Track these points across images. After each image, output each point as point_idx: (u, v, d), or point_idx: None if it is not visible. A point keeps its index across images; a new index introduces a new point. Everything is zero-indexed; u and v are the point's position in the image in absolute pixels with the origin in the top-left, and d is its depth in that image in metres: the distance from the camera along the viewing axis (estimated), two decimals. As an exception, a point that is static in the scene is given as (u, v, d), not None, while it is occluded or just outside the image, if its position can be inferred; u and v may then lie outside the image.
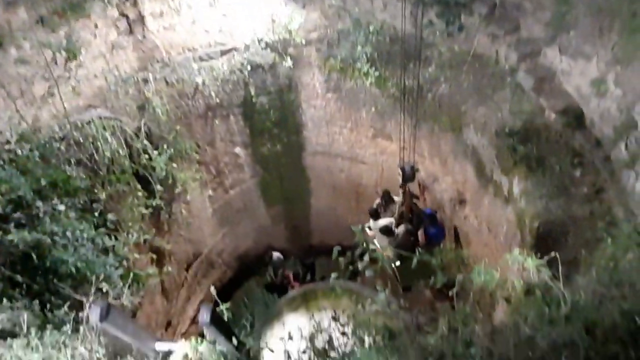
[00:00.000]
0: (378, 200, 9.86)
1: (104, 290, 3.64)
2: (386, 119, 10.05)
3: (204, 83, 9.12)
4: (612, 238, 3.38)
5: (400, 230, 9.02)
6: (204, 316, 2.85)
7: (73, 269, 4.64)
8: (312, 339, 3.25)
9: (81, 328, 3.07)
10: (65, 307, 3.49)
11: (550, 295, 2.79)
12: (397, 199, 9.44)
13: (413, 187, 9.23)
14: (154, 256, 7.21)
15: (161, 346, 3.15)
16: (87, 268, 4.75)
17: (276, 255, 12.05)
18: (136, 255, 6.03)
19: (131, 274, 5.13)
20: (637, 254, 2.96)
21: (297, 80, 10.37)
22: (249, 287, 12.88)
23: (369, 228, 9.40)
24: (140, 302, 6.32)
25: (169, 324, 9.52)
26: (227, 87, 9.71)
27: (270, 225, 12.63)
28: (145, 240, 7.15)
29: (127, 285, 4.70)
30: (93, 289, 3.41)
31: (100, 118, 7.29)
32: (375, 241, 9.35)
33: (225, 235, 11.63)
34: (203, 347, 3.01)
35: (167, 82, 8.69)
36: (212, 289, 3.89)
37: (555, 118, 7.06)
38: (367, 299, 4.16)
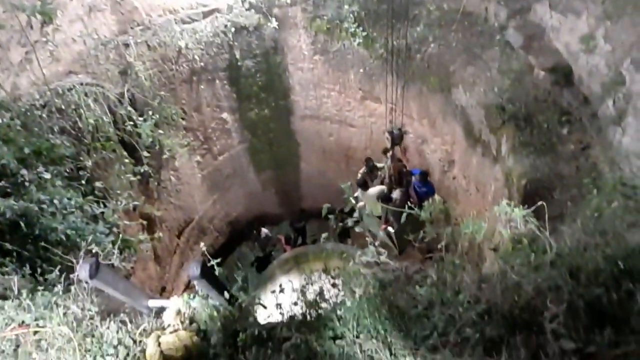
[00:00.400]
0: (363, 169, 9.80)
1: (94, 251, 3.64)
2: (374, 80, 9.93)
3: (187, 46, 8.87)
4: (597, 190, 3.44)
5: (396, 195, 9.03)
6: (194, 270, 2.85)
7: (63, 237, 4.62)
8: (303, 291, 3.32)
9: (72, 288, 3.10)
10: (56, 271, 3.50)
11: (536, 243, 2.86)
12: (383, 164, 9.41)
13: (396, 149, 9.20)
14: (145, 222, 7.19)
15: (154, 303, 3.18)
16: (76, 235, 4.73)
17: (264, 231, 12.15)
18: (126, 222, 6.02)
19: (121, 239, 5.12)
20: (621, 204, 3.02)
21: (283, 43, 10.13)
22: (241, 252, 13.04)
23: (356, 199, 9.40)
24: (133, 267, 6.36)
25: (163, 289, 9.63)
26: (211, 50, 9.47)
27: (261, 190, 12.64)
28: (135, 208, 7.13)
29: (117, 248, 4.73)
30: (82, 252, 3.41)
31: (82, 84, 7.09)
32: (367, 210, 9.38)
33: (215, 202, 11.63)
34: (196, 303, 3.05)
35: (148, 46, 8.43)
36: (202, 245, 3.92)
37: (544, 76, 7.04)
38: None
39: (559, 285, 2.48)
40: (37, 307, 2.97)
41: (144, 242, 5.92)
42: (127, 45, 8.06)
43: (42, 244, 4.30)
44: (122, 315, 3.10)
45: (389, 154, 8.80)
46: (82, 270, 2.61)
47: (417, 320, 2.67)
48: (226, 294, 3.16)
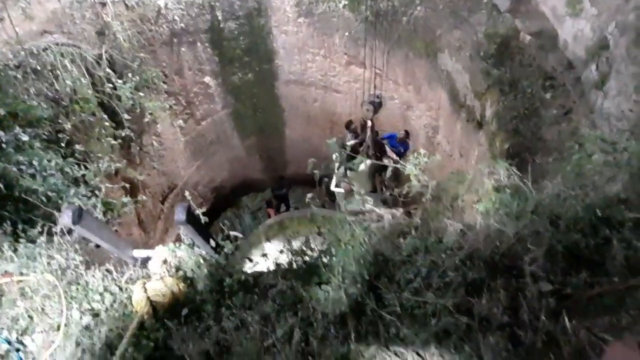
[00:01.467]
0: (350, 138, 9.60)
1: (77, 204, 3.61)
2: (360, 45, 9.75)
3: (166, 6, 8.56)
4: (579, 146, 3.54)
5: (362, 165, 8.94)
6: (180, 214, 2.82)
7: (43, 198, 4.55)
8: (289, 239, 3.38)
9: (55, 239, 3.08)
10: (39, 228, 3.46)
11: (518, 194, 2.95)
12: (354, 140, 9.29)
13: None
14: (127, 186, 7.09)
15: (139, 253, 3.18)
16: (58, 197, 4.67)
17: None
18: (108, 185, 5.93)
19: (103, 202, 5.08)
20: (601, 159, 3.11)
21: (266, 4, 9.83)
22: (227, 218, 13.06)
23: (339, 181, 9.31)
24: (117, 231, 6.31)
25: (148, 255, 9.64)
26: (192, 10, 9.15)
27: (245, 156, 12.55)
28: (117, 172, 7.03)
29: (99, 210, 4.69)
30: (64, 206, 3.38)
31: (57, 44, 6.81)
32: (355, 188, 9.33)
33: (199, 167, 11.53)
34: (181, 251, 3.07)
35: (126, 5, 8.10)
36: (187, 193, 3.90)
37: (530, 40, 7.02)
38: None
39: (539, 231, 2.59)
40: (20, 257, 2.96)
41: (127, 205, 5.86)
42: (103, 4, 7.74)
43: (23, 206, 4.22)
44: (107, 265, 3.11)
45: (369, 124, 8.67)
46: (64, 216, 2.57)
47: (401, 266, 2.76)
48: (212, 243, 3.19)
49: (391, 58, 9.33)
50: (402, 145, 9.25)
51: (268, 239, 11.69)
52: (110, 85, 7.34)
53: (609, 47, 5.77)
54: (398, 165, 4.75)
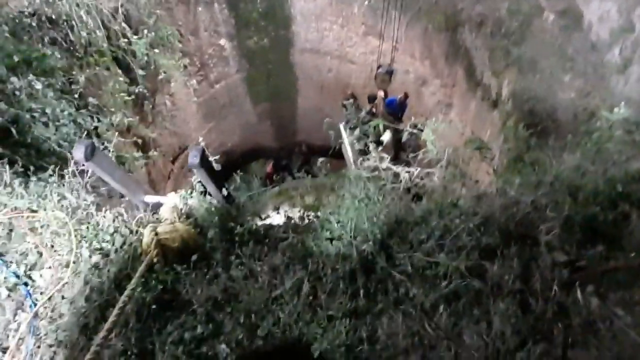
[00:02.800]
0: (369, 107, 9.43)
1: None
2: (379, 15, 9.54)
3: (185, -38, 8.41)
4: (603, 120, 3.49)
5: (387, 137, 8.86)
6: (194, 157, 2.78)
7: (55, 147, 4.62)
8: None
9: (67, 177, 3.12)
10: (50, 171, 3.51)
11: (537, 164, 2.92)
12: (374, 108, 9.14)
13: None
14: (139, 141, 7.13)
15: (151, 199, 3.20)
16: (70, 147, 4.72)
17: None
18: (120, 139, 5.98)
19: (115, 155, 5.12)
20: (622, 138, 3.06)
21: (286, -33, 9.63)
22: (235, 182, 13.12)
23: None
24: (130, 172, 6.39)
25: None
26: (211, -31, 8.99)
27: (257, 122, 12.53)
28: (129, 128, 7.07)
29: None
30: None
31: (74, -6, 6.75)
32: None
33: (210, 130, 11.55)
34: (193, 199, 3.10)
35: (145, -41, 7.96)
36: (200, 139, 3.88)
37: (553, 19, 6.82)
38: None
39: (557, 201, 2.57)
40: (31, 194, 3.01)
41: (138, 160, 5.91)
42: (121, -44, 7.61)
43: (35, 153, 4.29)
44: (118, 208, 3.15)
45: (381, 95, 8.55)
46: (77, 151, 2.55)
47: (414, 227, 2.76)
48: (224, 192, 3.19)
49: (410, 31, 9.14)
50: (400, 108, 9.13)
51: (276, 208, 11.81)
52: (125, 40, 7.30)
53: (635, 30, 5.60)
54: (415, 130, 4.71)
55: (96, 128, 5.40)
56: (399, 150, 8.76)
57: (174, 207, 2.99)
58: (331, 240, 2.83)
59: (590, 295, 2.31)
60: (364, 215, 2.76)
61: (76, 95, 5.78)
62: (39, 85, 5.12)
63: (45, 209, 2.91)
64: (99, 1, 7.13)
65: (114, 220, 3.00)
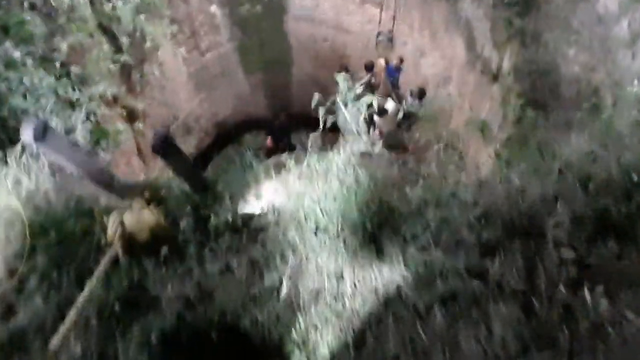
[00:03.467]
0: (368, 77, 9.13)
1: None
2: (378, -19, 9.17)
3: None
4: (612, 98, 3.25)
5: (390, 105, 8.65)
6: (157, 142, 2.45)
7: (34, 119, 4.37)
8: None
9: (24, 159, 2.84)
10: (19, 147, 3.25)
11: (543, 147, 2.70)
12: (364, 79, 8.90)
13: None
14: (124, 112, 6.83)
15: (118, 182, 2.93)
16: (50, 119, 4.49)
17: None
18: (105, 112, 5.72)
19: (96, 129, 4.90)
20: (636, 118, 2.86)
21: None
22: (227, 154, 12.90)
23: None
24: (116, 160, 6.19)
25: (146, 186, 9.60)
26: None
27: (250, 92, 12.19)
28: (115, 98, 6.78)
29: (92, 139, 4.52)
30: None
31: (53, -46, 6.32)
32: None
33: (202, 101, 11.22)
34: (164, 183, 2.87)
35: None
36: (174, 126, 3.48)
37: (560, -11, 6.51)
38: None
39: (565, 192, 2.35)
40: None
41: (121, 133, 5.67)
42: None
43: (12, 126, 4.06)
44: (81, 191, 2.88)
45: (382, 63, 8.30)
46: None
47: (408, 218, 2.55)
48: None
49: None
50: (397, 72, 8.92)
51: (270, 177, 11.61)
52: (110, 5, 6.91)
53: (646, 2, 5.35)
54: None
55: (78, 99, 5.12)
56: (402, 118, 8.61)
57: (142, 193, 2.73)
58: (316, 231, 2.62)
59: (600, 297, 2.13)
60: (353, 203, 2.55)
61: (57, 64, 5.48)
62: (17, 53, 4.83)
63: None
64: (81, -38, 6.70)
65: (75, 208, 2.75)
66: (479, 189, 2.63)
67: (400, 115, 8.80)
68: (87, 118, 5.05)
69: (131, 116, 7.50)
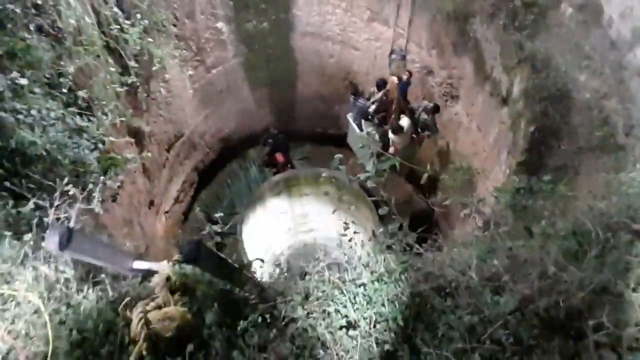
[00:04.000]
0: (378, 96, 8.95)
1: (71, 192, 3.26)
2: (385, 0, 9.13)
3: (181, -59, 7.90)
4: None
5: (405, 122, 8.58)
6: (189, 252, 2.28)
7: (43, 152, 4.31)
8: (312, 259, 2.92)
9: (43, 244, 2.71)
10: (32, 203, 3.17)
11: (579, 229, 2.43)
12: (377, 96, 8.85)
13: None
14: (133, 140, 6.78)
15: (140, 265, 2.78)
16: (57, 151, 4.42)
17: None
18: (112, 139, 5.65)
19: (105, 158, 4.82)
20: None
21: (288, -54, 9.11)
22: (232, 170, 12.86)
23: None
24: (120, 186, 6.12)
25: (151, 203, 9.54)
26: (208, -52, 8.48)
27: (255, 108, 12.15)
28: (122, 121, 6.73)
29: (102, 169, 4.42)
30: (58, 193, 3.05)
31: (61, -24, 6.29)
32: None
33: (207, 117, 11.18)
34: (188, 271, 2.71)
35: (137, -63, 7.45)
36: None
37: (571, 13, 6.45)
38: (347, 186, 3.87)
39: (606, 283, 2.13)
40: (4, 261, 2.60)
41: (132, 162, 5.61)
42: None
43: (20, 159, 3.99)
44: (102, 276, 2.75)
45: (395, 81, 8.24)
46: (50, 242, 2.10)
47: (442, 313, 2.33)
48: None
49: (417, 19, 8.73)
50: (407, 86, 8.90)
51: (273, 196, 11.55)
52: (117, 26, 6.87)
53: (660, 31, 5.28)
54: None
55: (87, 127, 5.04)
56: (417, 132, 8.61)
57: (167, 278, 2.60)
58: (347, 328, 2.42)
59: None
60: (384, 295, 2.38)
61: (65, 90, 5.43)
62: (24, 81, 4.76)
63: (17, 280, 2.51)
64: (88, -16, 6.68)
65: (97, 301, 2.62)
66: (512, 273, 2.37)
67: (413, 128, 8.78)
68: (95, 146, 4.98)
69: (138, 136, 7.45)
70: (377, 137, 8.80)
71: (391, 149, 8.63)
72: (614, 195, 3.18)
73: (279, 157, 12.02)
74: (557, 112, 6.19)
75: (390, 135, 8.45)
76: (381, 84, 8.95)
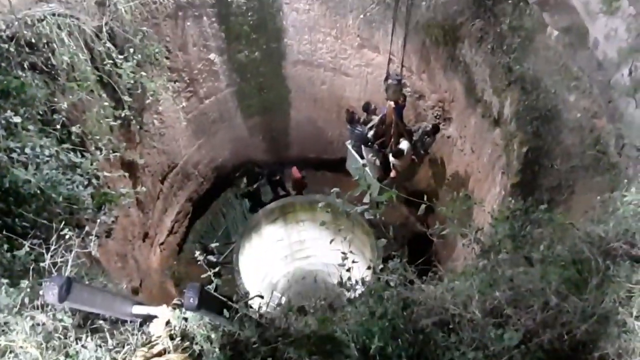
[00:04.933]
0: (375, 122, 8.91)
1: (67, 236, 3.21)
2: (374, 27, 9.30)
3: (173, -23, 8.06)
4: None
5: (405, 145, 8.57)
6: (191, 300, 2.20)
7: (36, 190, 4.25)
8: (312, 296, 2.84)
9: (41, 293, 2.64)
10: (27, 246, 3.10)
11: (579, 257, 2.40)
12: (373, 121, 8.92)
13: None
14: (126, 174, 6.74)
15: (139, 310, 2.71)
16: (52, 188, 4.36)
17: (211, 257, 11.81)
18: (106, 174, 5.61)
19: (100, 195, 4.77)
20: None
21: (278, -22, 9.31)
22: (226, 198, 12.80)
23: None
24: (114, 221, 6.04)
25: (146, 235, 9.42)
26: (199, -18, 8.65)
27: (248, 136, 12.19)
28: (115, 155, 6.70)
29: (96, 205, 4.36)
30: (55, 237, 2.99)
31: (54, 15, 6.36)
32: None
33: (201, 147, 11.19)
34: (189, 317, 2.64)
35: (129, -26, 7.59)
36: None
37: (557, 36, 6.60)
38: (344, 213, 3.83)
39: (608, 315, 2.12)
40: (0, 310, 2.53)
41: (127, 196, 5.56)
42: (104, -28, 7.24)
43: (13, 199, 3.93)
44: (101, 322, 2.68)
45: (392, 105, 8.28)
46: (49, 294, 2.05)
47: (446, 350, 2.28)
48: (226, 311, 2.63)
49: (407, 44, 8.88)
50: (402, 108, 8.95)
51: (269, 223, 11.47)
52: (111, 61, 6.92)
53: (646, 51, 5.39)
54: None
55: (80, 163, 5.00)
56: (417, 154, 8.63)
57: (167, 323, 2.54)
58: None
59: None
60: (387, 334, 2.32)
61: (58, 126, 5.41)
62: (18, 119, 4.74)
63: (14, 329, 2.44)
64: (81, 21, 6.76)
65: (96, 350, 2.55)
66: (515, 305, 2.32)
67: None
68: (89, 182, 4.93)
69: (132, 170, 7.40)
70: (377, 162, 8.81)
71: (392, 173, 8.67)
72: (611, 218, 3.18)
73: (296, 172, 12.06)
74: (549, 132, 6.25)
75: (391, 159, 8.49)
76: (366, 108, 9.07)
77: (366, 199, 5.93)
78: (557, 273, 2.31)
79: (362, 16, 9.10)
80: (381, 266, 2.94)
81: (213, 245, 11.02)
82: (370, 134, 8.79)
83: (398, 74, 7.85)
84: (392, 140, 8.51)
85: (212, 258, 11.02)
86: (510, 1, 7.19)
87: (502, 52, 7.09)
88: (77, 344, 2.50)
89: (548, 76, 6.56)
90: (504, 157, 7.04)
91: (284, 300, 3.00)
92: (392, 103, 8.00)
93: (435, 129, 8.86)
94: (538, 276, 2.35)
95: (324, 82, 11.13)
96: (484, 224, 4.84)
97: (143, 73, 7.28)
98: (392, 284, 2.72)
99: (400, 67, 7.92)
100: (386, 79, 8.02)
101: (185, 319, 2.56)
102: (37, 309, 2.55)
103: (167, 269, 10.62)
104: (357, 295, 2.80)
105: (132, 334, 2.67)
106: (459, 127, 8.84)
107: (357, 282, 2.92)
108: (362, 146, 9.05)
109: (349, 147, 9.58)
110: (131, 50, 7.28)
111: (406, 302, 2.47)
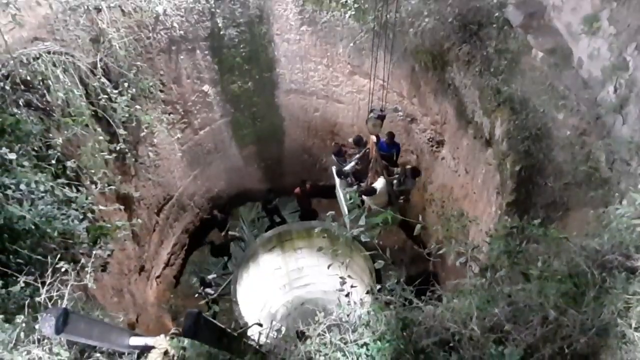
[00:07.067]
0: (357, 158, 8.86)
1: (63, 269, 3.19)
2: (364, 55, 9.51)
3: (165, 12, 8.26)
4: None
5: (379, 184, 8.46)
6: (189, 326, 2.18)
7: (31, 225, 4.22)
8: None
9: (37, 327, 2.61)
10: (21, 282, 3.07)
11: (576, 270, 2.42)
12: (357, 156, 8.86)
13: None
14: (122, 207, 6.72)
15: (136, 341, 2.67)
16: (47, 224, 4.34)
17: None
18: (102, 208, 5.59)
19: (95, 228, 4.74)
20: None
21: (268, 11, 9.55)
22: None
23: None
24: (110, 255, 5.98)
25: (142, 268, 9.32)
26: (191, 17, 8.85)
27: (243, 166, 12.24)
28: (110, 188, 6.70)
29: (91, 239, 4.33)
30: (50, 271, 2.97)
31: (49, 53, 6.48)
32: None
33: (196, 177, 11.21)
34: (186, 344, 2.62)
35: (123, 11, 7.78)
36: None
37: (542, 57, 6.77)
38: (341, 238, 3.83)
39: (607, 327, 2.13)
40: None
41: (122, 229, 5.54)
42: (98, 10, 7.41)
43: (7, 235, 3.90)
44: (97, 356, 2.63)
45: (374, 140, 8.21)
46: (46, 326, 2.04)
47: None
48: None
49: (396, 70, 9.06)
50: (394, 147, 8.86)
51: (266, 252, 11.38)
52: (105, 96, 7.01)
53: (628, 68, 5.53)
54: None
55: (76, 198, 4.99)
56: (394, 195, 8.37)
57: (164, 353, 2.50)
58: None
59: None
60: (387, 354, 2.31)
61: (53, 161, 5.43)
62: (13, 156, 4.75)
63: None
64: (76, 57, 6.87)
65: None
66: (514, 320, 2.32)
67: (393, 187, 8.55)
68: (85, 216, 4.91)
69: (127, 203, 7.39)
70: (348, 196, 8.52)
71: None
72: (605, 231, 3.20)
73: (308, 185, 11.95)
74: (540, 151, 6.33)
75: (365, 199, 8.27)
76: (357, 141, 8.88)
77: (361, 222, 5.88)
78: (555, 287, 2.32)
79: (351, 44, 9.31)
80: (379, 287, 2.93)
81: (210, 277, 10.96)
82: (349, 167, 8.72)
83: (383, 108, 7.80)
84: (369, 175, 8.34)
85: (209, 290, 10.95)
86: (494, 25, 7.40)
87: (489, 75, 7.24)
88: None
89: (536, 96, 6.69)
90: (497, 177, 7.10)
91: (283, 328, 2.94)
92: (373, 137, 7.93)
93: (415, 172, 8.48)
94: (536, 291, 2.36)
95: (316, 109, 11.28)
96: (481, 244, 4.85)
97: (137, 106, 7.37)
98: (391, 306, 2.70)
99: (384, 94, 7.87)
100: (370, 111, 7.94)
101: (184, 348, 2.51)
102: (34, 343, 2.50)
103: (163, 303, 10.45)
104: (356, 318, 2.78)
105: (130, 366, 2.62)
106: (452, 149, 8.92)
107: (355, 303, 2.90)
108: (337, 178, 8.94)
109: (335, 174, 9.48)
110: (126, 84, 7.39)
111: (405, 322, 2.46)
